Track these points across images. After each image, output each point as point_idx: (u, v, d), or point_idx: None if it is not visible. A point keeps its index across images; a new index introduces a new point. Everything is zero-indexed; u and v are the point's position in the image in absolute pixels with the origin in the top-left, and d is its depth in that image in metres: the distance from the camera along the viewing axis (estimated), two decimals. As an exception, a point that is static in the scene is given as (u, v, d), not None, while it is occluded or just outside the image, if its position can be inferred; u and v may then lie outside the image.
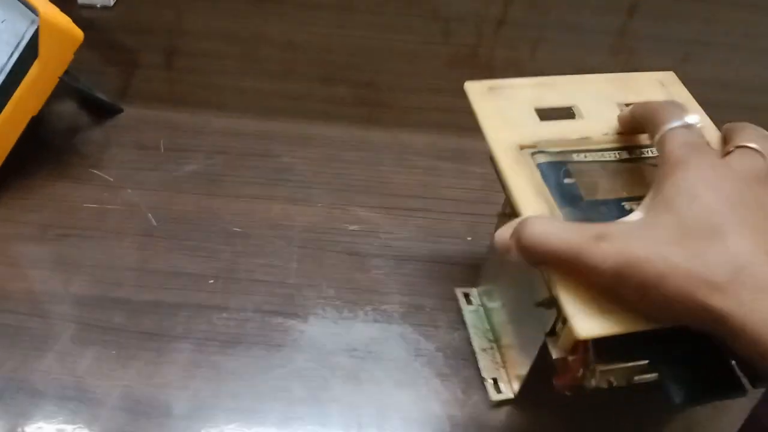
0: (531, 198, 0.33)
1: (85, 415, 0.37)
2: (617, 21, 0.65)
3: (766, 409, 0.31)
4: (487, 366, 0.40)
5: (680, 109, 0.32)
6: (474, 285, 0.43)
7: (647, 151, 0.36)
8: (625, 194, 0.34)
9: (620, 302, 0.28)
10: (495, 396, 0.38)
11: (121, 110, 0.53)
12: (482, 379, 0.39)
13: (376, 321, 0.42)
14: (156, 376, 0.39)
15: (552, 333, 0.32)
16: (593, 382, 0.30)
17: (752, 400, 0.31)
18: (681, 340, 0.29)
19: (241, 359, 0.40)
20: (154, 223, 0.46)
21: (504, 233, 0.31)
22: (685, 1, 0.67)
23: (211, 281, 0.43)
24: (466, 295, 0.43)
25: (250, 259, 0.44)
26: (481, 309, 0.42)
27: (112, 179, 0.48)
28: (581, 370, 0.30)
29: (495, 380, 0.39)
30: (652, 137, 0.32)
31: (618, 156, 0.35)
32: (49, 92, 0.46)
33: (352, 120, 0.54)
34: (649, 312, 0.28)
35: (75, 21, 0.45)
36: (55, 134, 0.52)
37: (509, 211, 0.37)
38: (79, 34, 0.45)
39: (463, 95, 0.60)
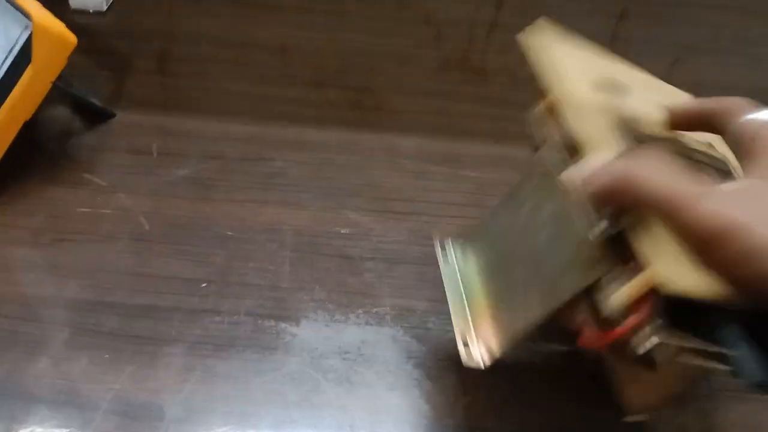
0: (601, 138, 0.32)
1: (79, 419, 0.37)
2: (608, 25, 0.66)
3: None
4: (461, 327, 0.38)
5: (750, 103, 0.32)
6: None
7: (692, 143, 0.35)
8: None
9: (705, 268, 0.27)
10: (467, 360, 0.36)
11: (113, 115, 0.53)
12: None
13: (367, 324, 0.42)
14: (149, 380, 0.39)
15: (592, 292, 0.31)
16: (644, 348, 0.29)
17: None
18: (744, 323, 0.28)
19: (234, 363, 0.40)
20: (147, 227, 0.46)
21: (583, 170, 0.30)
22: (674, 5, 0.68)
23: (204, 285, 0.43)
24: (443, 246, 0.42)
25: (242, 262, 0.45)
26: (459, 263, 0.41)
27: (105, 184, 0.49)
28: (636, 331, 0.29)
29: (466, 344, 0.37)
30: (718, 129, 0.32)
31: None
32: (42, 97, 0.46)
33: (344, 124, 0.55)
34: (738, 284, 0.26)
35: (68, 26, 0.46)
36: (49, 139, 0.52)
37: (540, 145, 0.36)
38: (72, 39, 0.46)
39: (454, 99, 0.61)
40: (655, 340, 0.28)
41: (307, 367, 0.40)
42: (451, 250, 0.41)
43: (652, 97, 0.36)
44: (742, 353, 0.28)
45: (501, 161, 0.52)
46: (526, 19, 0.67)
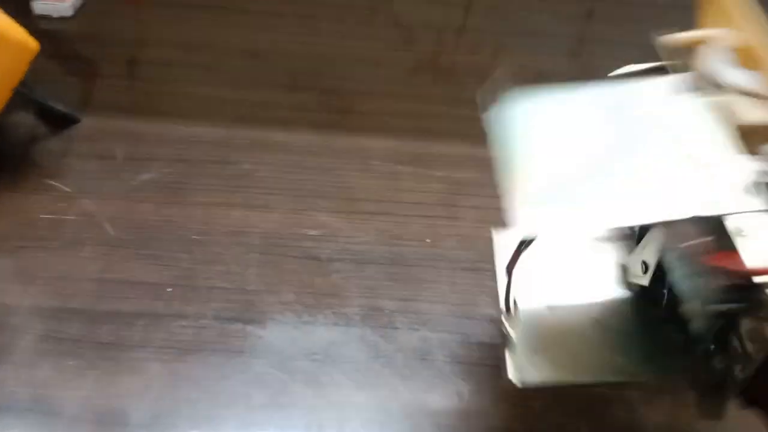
0: None
1: (43, 426, 0.37)
2: (575, 26, 0.67)
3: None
4: None
5: None
6: None
7: None
8: None
9: None
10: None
11: (78, 120, 0.52)
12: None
13: (335, 324, 0.42)
14: (114, 386, 0.38)
15: None
16: None
17: None
18: None
19: (199, 366, 0.39)
20: (112, 232, 0.46)
21: None
22: (640, 5, 0.69)
23: (169, 289, 0.43)
24: None
25: (208, 266, 0.44)
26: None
27: (69, 190, 0.48)
28: None
29: None
30: None
31: None
32: (3, 104, 0.46)
33: (313, 126, 0.55)
34: None
35: (33, 32, 0.45)
36: (12, 145, 0.51)
37: None
38: (34, 45, 0.45)
39: (425, 101, 0.61)
40: None
41: (274, 369, 0.40)
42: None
43: None
44: None
45: (469, 161, 0.52)
46: (494, 21, 0.68)
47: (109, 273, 0.43)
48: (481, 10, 0.67)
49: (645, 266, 0.33)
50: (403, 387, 0.39)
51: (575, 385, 0.32)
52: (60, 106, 0.52)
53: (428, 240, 0.47)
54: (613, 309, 0.34)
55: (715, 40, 0.35)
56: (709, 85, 0.33)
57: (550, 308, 0.35)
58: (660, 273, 0.32)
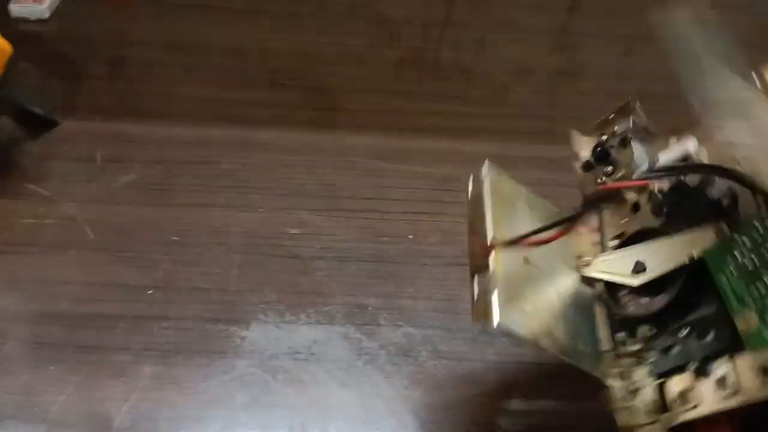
0: None
1: (24, 432, 0.37)
2: (558, 19, 0.67)
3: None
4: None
5: None
6: None
7: None
8: None
9: None
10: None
11: (57, 123, 0.52)
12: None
13: (318, 323, 0.42)
14: (95, 390, 0.38)
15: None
16: None
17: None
18: None
19: (181, 368, 0.39)
20: (92, 235, 0.45)
21: None
22: (622, -3, 0.69)
23: (150, 291, 0.43)
24: None
25: (189, 267, 0.44)
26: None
27: (48, 193, 0.48)
28: None
29: None
30: None
31: None
32: (-21, 108, 0.45)
33: (295, 125, 0.54)
34: None
35: (10, 35, 0.45)
36: (-10, 150, 0.51)
37: None
38: (7, 48, 0.45)
39: (408, 97, 0.61)
40: None
41: (257, 369, 0.40)
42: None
43: None
44: None
45: (452, 156, 0.52)
46: (477, 16, 0.68)
47: (89, 276, 0.43)
48: (463, 4, 0.67)
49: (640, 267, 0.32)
50: (386, 384, 0.39)
51: (538, 347, 0.30)
52: (39, 110, 0.52)
53: (411, 236, 0.47)
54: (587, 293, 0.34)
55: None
56: None
57: (527, 261, 0.33)
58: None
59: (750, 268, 0.28)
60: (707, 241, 0.30)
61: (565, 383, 0.38)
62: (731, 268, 0.29)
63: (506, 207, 0.34)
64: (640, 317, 0.31)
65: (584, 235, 0.35)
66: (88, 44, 0.60)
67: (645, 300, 0.31)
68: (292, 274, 0.44)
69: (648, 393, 0.29)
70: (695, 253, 0.30)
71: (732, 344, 0.28)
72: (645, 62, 0.61)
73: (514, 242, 0.32)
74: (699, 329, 0.29)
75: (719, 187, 0.32)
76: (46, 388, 0.38)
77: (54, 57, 0.59)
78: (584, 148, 0.36)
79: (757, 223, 0.29)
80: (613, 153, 0.35)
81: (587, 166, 0.36)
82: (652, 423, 0.29)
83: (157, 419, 0.37)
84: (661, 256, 0.31)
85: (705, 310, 0.29)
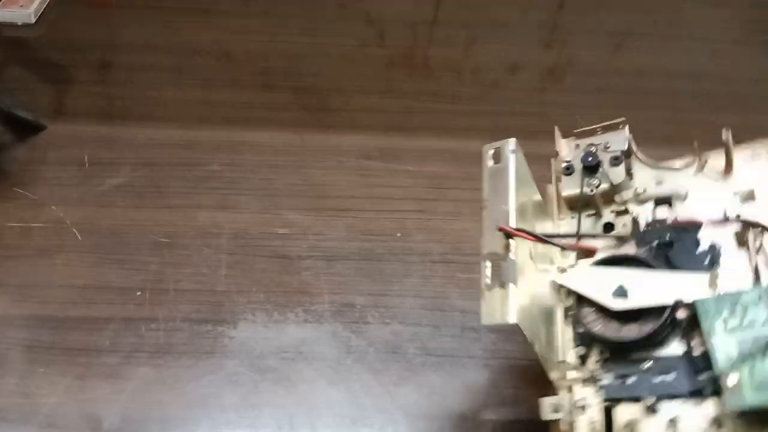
0: None
1: (13, 435, 0.37)
2: (547, 15, 0.67)
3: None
4: None
5: None
6: None
7: None
8: None
9: None
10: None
11: (44, 127, 0.52)
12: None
13: (306, 322, 0.42)
14: (84, 392, 0.38)
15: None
16: None
17: None
18: None
19: (170, 369, 0.40)
20: (80, 238, 0.46)
21: None
22: (610, -7, 0.69)
23: (139, 293, 0.43)
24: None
25: (178, 269, 0.44)
26: None
27: (36, 197, 0.48)
28: None
29: None
30: None
31: None
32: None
33: (283, 125, 0.54)
34: None
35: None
36: (-23, 155, 0.51)
37: None
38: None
39: (397, 96, 0.61)
40: None
41: (245, 368, 0.40)
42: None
43: None
44: None
45: (439, 154, 0.52)
46: (466, 13, 0.68)
47: (78, 279, 0.43)
48: (452, 3, 0.67)
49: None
50: (374, 381, 0.40)
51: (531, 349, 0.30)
52: (25, 114, 0.52)
53: (399, 234, 0.47)
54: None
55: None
56: None
57: (532, 256, 0.33)
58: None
59: (742, 325, 0.28)
60: (699, 288, 0.30)
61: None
62: (723, 322, 0.29)
63: (523, 190, 0.33)
64: (606, 340, 0.31)
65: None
66: (74, 48, 0.60)
67: (614, 324, 0.31)
68: (280, 273, 0.44)
69: (594, 413, 0.29)
70: (685, 299, 0.30)
71: (692, 389, 0.28)
72: (635, 58, 0.62)
73: (537, 238, 0.31)
74: (662, 367, 0.29)
75: (707, 234, 0.32)
76: (36, 390, 0.38)
77: (40, 61, 0.59)
78: (565, 148, 0.37)
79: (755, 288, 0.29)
80: (603, 167, 0.35)
81: (568, 169, 0.36)
82: None
83: (147, 420, 0.38)
84: (645, 288, 0.30)
85: (673, 350, 0.30)
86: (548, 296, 0.33)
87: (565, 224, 0.35)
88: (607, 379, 0.30)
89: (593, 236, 0.34)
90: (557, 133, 0.37)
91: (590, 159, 0.35)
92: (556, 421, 0.30)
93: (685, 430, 0.27)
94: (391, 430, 0.38)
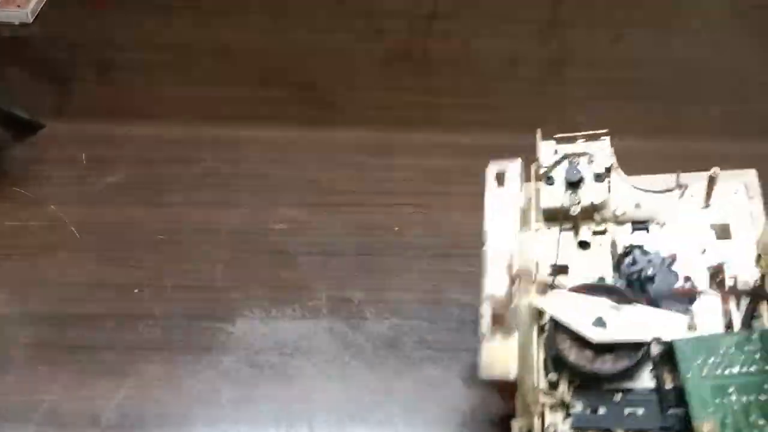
0: None
1: (12, 433, 0.37)
2: (546, 9, 0.66)
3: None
4: None
5: None
6: None
7: None
8: None
9: None
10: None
11: (42, 126, 0.52)
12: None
13: (304, 317, 0.42)
14: (82, 389, 0.39)
15: None
16: None
17: None
18: None
19: (168, 366, 0.40)
20: (77, 236, 0.46)
21: None
22: (608, -17, 0.68)
23: (136, 290, 0.43)
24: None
25: (175, 265, 0.44)
26: None
27: (34, 196, 0.48)
28: None
29: None
30: None
31: None
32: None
33: (280, 121, 0.54)
34: None
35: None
36: (-25, 154, 0.51)
37: None
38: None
39: (396, 90, 0.61)
40: None
41: (243, 364, 0.40)
42: None
43: None
44: None
45: (437, 148, 0.52)
46: (465, 8, 0.68)
47: (76, 277, 0.44)
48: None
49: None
50: (372, 376, 0.39)
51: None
52: (23, 113, 0.52)
53: (396, 228, 0.47)
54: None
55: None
56: None
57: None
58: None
59: (719, 372, 0.28)
60: (678, 328, 0.30)
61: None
62: (700, 366, 0.29)
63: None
64: (579, 370, 0.30)
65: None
66: (71, 47, 0.60)
67: (588, 353, 0.30)
68: (277, 269, 0.44)
69: None
70: (663, 337, 0.30)
71: (662, 425, 0.29)
72: (635, 49, 0.61)
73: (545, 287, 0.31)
74: (633, 401, 0.29)
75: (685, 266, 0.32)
76: (34, 387, 0.39)
77: (38, 60, 0.59)
78: (545, 153, 0.36)
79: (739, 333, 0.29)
80: (585, 183, 0.35)
81: (549, 179, 0.36)
82: None
83: (145, 416, 0.38)
84: (624, 322, 0.30)
85: (645, 382, 0.30)
86: (527, 316, 0.32)
87: (542, 236, 0.35)
88: (577, 407, 0.30)
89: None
90: (538, 136, 0.36)
91: (574, 173, 0.35)
92: None
93: None
94: (389, 424, 0.38)
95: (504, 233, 0.31)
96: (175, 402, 0.38)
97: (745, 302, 0.31)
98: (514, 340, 0.28)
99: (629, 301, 0.31)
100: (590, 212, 0.34)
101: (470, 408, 0.38)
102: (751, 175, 0.35)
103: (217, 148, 0.52)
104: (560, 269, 0.34)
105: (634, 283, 0.32)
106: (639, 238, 0.34)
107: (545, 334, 0.32)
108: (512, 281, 0.30)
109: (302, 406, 0.38)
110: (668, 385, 0.29)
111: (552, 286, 0.32)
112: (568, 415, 0.30)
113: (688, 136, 0.51)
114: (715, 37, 0.61)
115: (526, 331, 0.31)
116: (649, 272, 0.32)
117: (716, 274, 0.32)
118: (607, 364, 0.30)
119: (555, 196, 0.35)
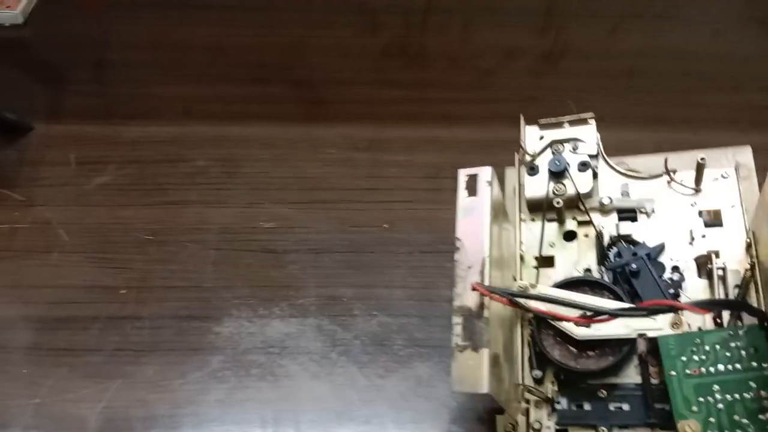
0: None
1: (-2, 437, 0.37)
2: (542, 0, 0.65)
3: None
4: None
5: None
6: None
7: None
8: None
9: None
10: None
11: (31, 128, 0.52)
12: None
13: (292, 316, 0.42)
14: (69, 392, 0.38)
15: None
16: None
17: None
18: None
19: (155, 367, 0.39)
20: (66, 238, 0.46)
21: None
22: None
23: (124, 291, 0.43)
24: None
25: (164, 266, 0.44)
26: None
27: (23, 198, 0.48)
28: None
29: None
30: None
31: None
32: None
33: (270, 118, 0.54)
34: None
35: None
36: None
37: None
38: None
39: (389, 86, 0.60)
40: None
41: (230, 364, 0.40)
42: None
43: None
44: None
45: (427, 143, 0.51)
46: (460, 0, 0.67)
47: (64, 279, 0.43)
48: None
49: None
50: (360, 374, 0.39)
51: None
52: (11, 114, 0.52)
53: (386, 225, 0.46)
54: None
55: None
56: None
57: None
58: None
59: (703, 371, 0.28)
60: (663, 325, 0.30)
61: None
62: (684, 364, 0.28)
63: (497, 221, 0.32)
64: (564, 367, 0.30)
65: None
66: (61, 48, 0.60)
67: (573, 350, 0.30)
68: (265, 268, 0.44)
69: None
70: (648, 334, 0.29)
71: (647, 421, 0.29)
72: (631, 40, 0.60)
73: (513, 304, 0.29)
74: (618, 396, 0.29)
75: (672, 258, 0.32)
76: (20, 391, 0.38)
77: (27, 62, 0.59)
78: (529, 139, 0.36)
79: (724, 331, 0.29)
80: (569, 172, 0.34)
81: (533, 169, 0.35)
82: None
83: (131, 419, 0.37)
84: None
85: (630, 378, 0.30)
86: (511, 313, 0.32)
87: (526, 227, 0.35)
88: (562, 403, 0.30)
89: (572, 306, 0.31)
90: (522, 122, 0.36)
91: (557, 163, 0.34)
92: None
93: None
94: (377, 422, 0.37)
95: (475, 242, 0.30)
96: (162, 404, 0.38)
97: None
98: (484, 354, 0.27)
99: (615, 296, 0.31)
100: (575, 202, 0.34)
101: (459, 404, 0.38)
102: (746, 153, 0.35)
103: (205, 146, 0.51)
104: (545, 261, 0.33)
105: (620, 276, 0.32)
106: (626, 227, 0.34)
107: (529, 331, 0.31)
108: (484, 291, 0.29)
109: (289, 406, 0.38)
110: (654, 380, 0.29)
111: (532, 285, 0.32)
112: (553, 410, 0.30)
113: (685, 127, 0.50)
114: (713, 27, 0.60)
115: (505, 333, 0.31)
116: (634, 267, 0.31)
117: (704, 264, 0.32)
118: (591, 362, 0.30)
119: (539, 186, 0.34)
